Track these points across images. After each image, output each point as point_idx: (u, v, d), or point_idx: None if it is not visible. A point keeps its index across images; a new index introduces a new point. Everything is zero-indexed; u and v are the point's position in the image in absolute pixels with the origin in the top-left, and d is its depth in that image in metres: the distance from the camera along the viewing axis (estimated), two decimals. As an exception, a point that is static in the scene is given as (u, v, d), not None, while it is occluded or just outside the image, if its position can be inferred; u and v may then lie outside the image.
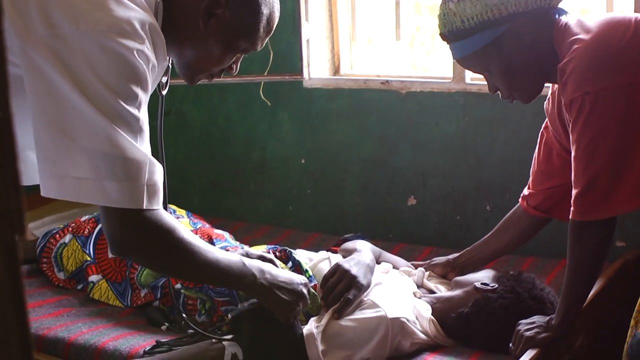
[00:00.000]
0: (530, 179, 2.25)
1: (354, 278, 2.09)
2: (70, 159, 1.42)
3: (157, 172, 1.51)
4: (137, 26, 1.47)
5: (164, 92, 1.76)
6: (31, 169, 1.49)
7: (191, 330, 2.08)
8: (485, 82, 2.77)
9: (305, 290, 1.92)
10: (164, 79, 1.74)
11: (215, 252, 1.71)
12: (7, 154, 0.63)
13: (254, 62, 3.21)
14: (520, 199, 2.29)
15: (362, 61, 3.27)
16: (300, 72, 3.07)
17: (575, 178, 1.84)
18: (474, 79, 2.85)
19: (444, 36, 1.90)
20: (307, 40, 3.06)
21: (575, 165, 1.83)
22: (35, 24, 1.42)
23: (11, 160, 0.63)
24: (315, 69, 3.13)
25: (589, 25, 1.84)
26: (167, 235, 1.57)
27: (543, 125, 2.18)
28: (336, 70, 3.21)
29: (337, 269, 2.12)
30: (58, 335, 2.24)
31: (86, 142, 1.42)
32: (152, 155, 1.52)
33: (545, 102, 2.12)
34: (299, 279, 1.92)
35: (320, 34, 3.15)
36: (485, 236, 2.39)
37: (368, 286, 2.13)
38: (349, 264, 2.14)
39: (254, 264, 1.81)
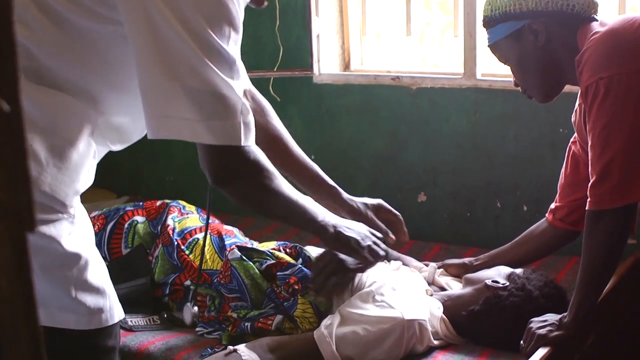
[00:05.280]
0: (558, 193, 2.25)
1: (340, 260, 2.06)
2: (176, 100, 1.44)
3: (249, 112, 1.54)
4: None
5: None
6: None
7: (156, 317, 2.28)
8: (497, 79, 2.81)
9: (370, 235, 1.97)
10: None
11: (296, 194, 1.78)
12: (17, 150, 0.63)
13: (263, 58, 3.20)
14: (547, 214, 2.29)
15: (372, 56, 3.25)
16: (310, 68, 3.06)
17: (591, 167, 1.85)
18: (485, 75, 2.84)
19: (483, 22, 2.05)
20: (317, 36, 3.05)
21: (592, 153, 1.85)
22: None
23: (21, 156, 0.63)
24: (325, 64, 3.12)
25: (606, 22, 1.91)
26: (260, 171, 1.63)
27: (571, 140, 2.20)
28: (346, 66, 3.20)
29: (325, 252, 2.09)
30: (67, 331, 2.24)
31: (189, 82, 1.44)
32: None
33: (572, 115, 2.14)
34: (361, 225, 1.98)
35: (330, 29, 3.14)
36: (506, 245, 2.38)
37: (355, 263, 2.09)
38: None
39: (322, 209, 1.90)
